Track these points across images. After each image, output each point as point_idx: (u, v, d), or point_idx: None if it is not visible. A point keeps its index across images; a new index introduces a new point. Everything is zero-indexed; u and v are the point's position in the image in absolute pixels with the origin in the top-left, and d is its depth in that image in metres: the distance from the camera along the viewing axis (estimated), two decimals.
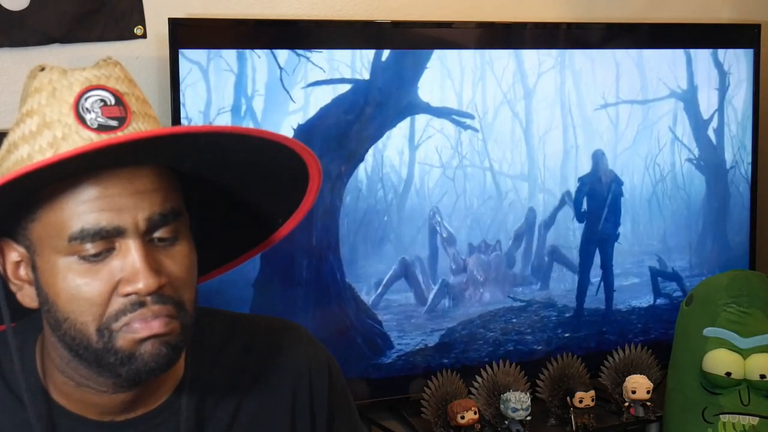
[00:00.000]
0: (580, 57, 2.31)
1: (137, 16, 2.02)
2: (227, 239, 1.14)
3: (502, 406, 2.11)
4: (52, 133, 0.94)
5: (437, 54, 2.14)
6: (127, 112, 0.96)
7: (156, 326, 0.95)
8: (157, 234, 0.96)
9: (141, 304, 0.94)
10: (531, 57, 2.25)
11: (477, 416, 2.06)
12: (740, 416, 2.06)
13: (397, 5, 2.27)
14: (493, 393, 2.14)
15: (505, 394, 2.11)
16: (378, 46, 2.11)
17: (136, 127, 0.96)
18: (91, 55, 1.98)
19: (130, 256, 0.94)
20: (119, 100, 0.96)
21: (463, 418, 2.04)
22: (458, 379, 2.12)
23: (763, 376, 2.03)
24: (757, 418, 2.05)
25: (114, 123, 0.94)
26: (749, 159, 2.50)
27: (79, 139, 0.93)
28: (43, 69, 0.99)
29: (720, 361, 2.05)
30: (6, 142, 0.99)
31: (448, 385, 2.11)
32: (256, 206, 1.11)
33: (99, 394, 1.01)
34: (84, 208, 0.93)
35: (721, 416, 2.07)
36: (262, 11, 2.13)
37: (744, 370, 2.04)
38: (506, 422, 2.11)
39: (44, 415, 1.02)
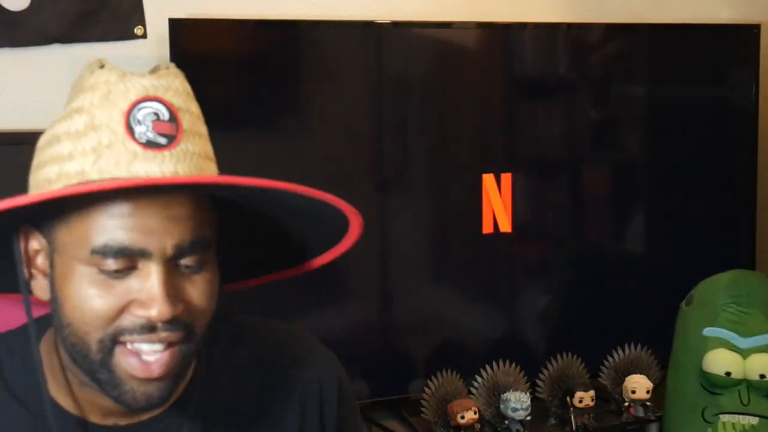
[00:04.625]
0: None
1: (137, 16, 2.02)
2: (248, 259, 1.11)
3: (502, 406, 2.11)
4: (98, 138, 0.91)
5: None
6: (178, 130, 0.92)
7: (156, 370, 0.92)
8: (183, 261, 0.93)
9: (151, 329, 0.91)
10: None
11: (477, 416, 2.06)
12: (740, 416, 2.06)
13: (397, 5, 2.27)
14: (493, 393, 2.14)
15: (505, 394, 2.11)
16: (378, 46, 2.11)
17: (185, 148, 0.92)
18: (91, 55, 1.97)
19: (150, 280, 0.91)
20: (173, 116, 0.92)
21: (463, 418, 2.04)
22: (458, 379, 2.13)
23: (762, 376, 2.03)
24: (757, 418, 2.05)
25: (163, 141, 0.91)
26: (749, 158, 2.50)
27: (123, 150, 0.90)
28: (102, 66, 0.95)
29: (720, 361, 2.05)
30: (49, 132, 0.96)
31: (448, 385, 2.11)
32: (289, 239, 1.07)
33: (102, 396, 0.99)
34: (113, 224, 0.90)
35: (720, 416, 2.07)
36: (262, 11, 2.13)
37: (744, 369, 2.04)
38: (506, 422, 2.11)
39: (44, 418, 1.00)
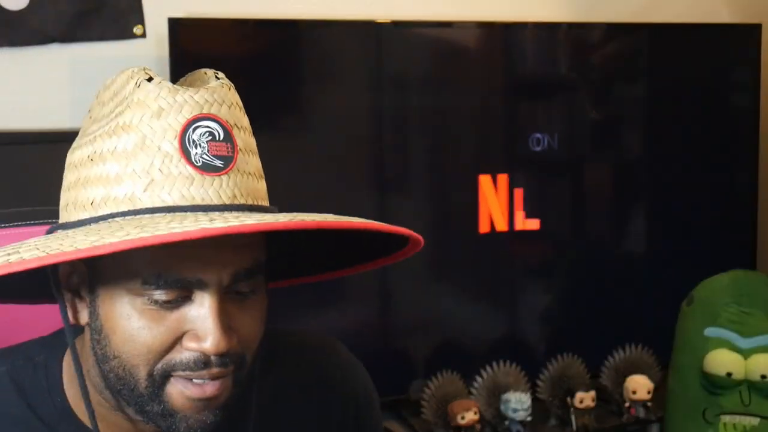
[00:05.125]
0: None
1: (136, 15, 2.02)
2: (300, 259, 1.06)
3: (502, 406, 2.11)
4: (149, 160, 0.85)
5: None
6: (234, 150, 0.87)
7: (209, 390, 0.88)
8: (237, 287, 0.88)
9: (205, 364, 0.87)
10: None
11: (477, 416, 2.05)
12: (741, 416, 2.05)
13: (397, 5, 2.27)
14: (493, 393, 2.13)
15: (505, 395, 2.11)
16: (378, 45, 2.11)
17: (241, 169, 0.88)
18: (90, 55, 1.98)
19: (203, 310, 0.86)
20: (228, 135, 0.87)
21: (463, 418, 2.03)
22: (458, 379, 2.12)
23: (764, 377, 2.02)
24: (758, 419, 2.05)
25: (219, 164, 0.86)
26: (750, 158, 2.50)
27: (178, 174, 0.85)
28: (150, 79, 0.88)
29: (721, 362, 2.05)
30: (90, 147, 0.89)
31: (448, 385, 2.10)
32: (345, 246, 1.03)
33: (134, 422, 0.95)
34: (167, 253, 0.84)
35: (721, 417, 2.06)
36: (262, 11, 2.13)
37: (745, 370, 2.04)
38: (506, 422, 2.11)
39: None
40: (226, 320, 0.87)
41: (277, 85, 2.04)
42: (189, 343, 0.87)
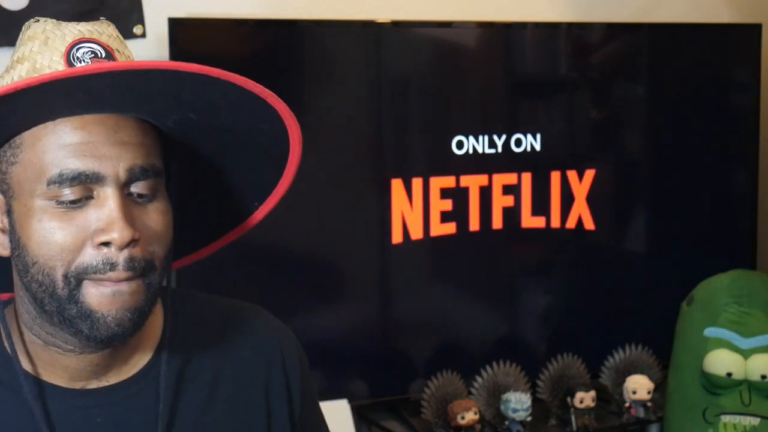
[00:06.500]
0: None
1: (137, 15, 2.02)
2: (201, 221, 1.14)
3: (502, 406, 2.11)
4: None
5: None
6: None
7: (124, 289, 0.95)
8: (135, 189, 0.96)
9: (112, 266, 0.93)
10: None
11: (477, 416, 2.05)
12: (741, 416, 2.06)
13: (397, 5, 2.27)
14: (493, 393, 2.14)
15: (505, 395, 2.11)
16: (378, 46, 2.11)
17: None
18: None
19: (107, 205, 0.94)
20: (110, 55, 0.98)
21: (463, 418, 2.03)
22: (458, 379, 2.12)
23: (764, 377, 2.02)
24: (758, 419, 2.05)
25: None
26: (750, 158, 2.50)
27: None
28: (37, 20, 1.00)
29: (721, 362, 2.05)
30: None
31: (448, 385, 2.11)
32: (234, 183, 1.11)
33: (67, 354, 1.00)
34: (65, 153, 0.94)
35: (721, 417, 2.07)
36: (262, 11, 2.13)
37: (745, 370, 2.04)
38: (506, 423, 2.11)
39: (12, 385, 1.00)
40: (128, 214, 0.94)
41: (276, 85, 2.02)
42: (98, 238, 0.93)
